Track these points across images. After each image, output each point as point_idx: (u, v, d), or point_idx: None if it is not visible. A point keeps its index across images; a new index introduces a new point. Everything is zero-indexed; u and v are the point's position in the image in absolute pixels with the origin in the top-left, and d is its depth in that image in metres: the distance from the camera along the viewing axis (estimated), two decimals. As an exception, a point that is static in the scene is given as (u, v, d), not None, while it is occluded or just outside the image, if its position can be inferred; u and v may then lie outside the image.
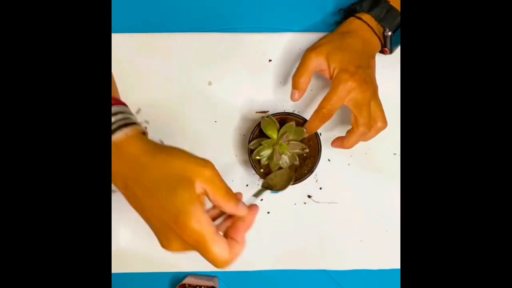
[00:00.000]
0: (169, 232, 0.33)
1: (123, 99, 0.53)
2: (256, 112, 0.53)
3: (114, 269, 0.53)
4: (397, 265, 0.54)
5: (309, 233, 0.54)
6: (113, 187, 0.55)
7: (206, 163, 0.33)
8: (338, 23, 0.52)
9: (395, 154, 0.54)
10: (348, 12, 0.51)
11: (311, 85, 0.50)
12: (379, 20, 0.48)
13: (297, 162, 0.48)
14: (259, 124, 0.48)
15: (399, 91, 0.53)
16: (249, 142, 0.48)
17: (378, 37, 0.49)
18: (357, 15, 0.49)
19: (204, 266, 0.54)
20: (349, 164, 0.54)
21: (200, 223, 0.31)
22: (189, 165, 0.33)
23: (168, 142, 0.53)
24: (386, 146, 0.54)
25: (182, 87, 0.53)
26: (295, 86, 0.48)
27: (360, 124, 0.45)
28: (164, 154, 0.34)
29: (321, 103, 0.45)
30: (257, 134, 0.49)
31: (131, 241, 0.53)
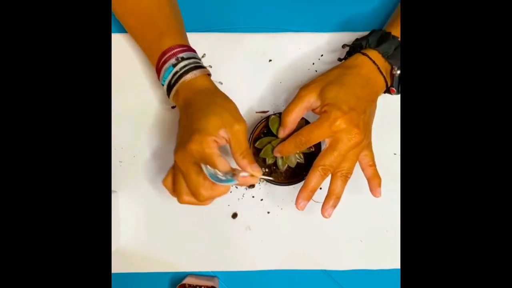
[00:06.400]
0: (183, 144, 0.39)
1: (122, 98, 0.53)
2: (256, 112, 0.53)
3: (114, 269, 0.53)
4: (397, 265, 0.54)
5: (309, 233, 0.53)
6: (113, 187, 0.55)
7: (240, 120, 0.40)
8: (341, 60, 0.47)
9: (395, 154, 0.54)
10: (352, 48, 0.47)
11: None
12: (387, 57, 0.43)
13: (302, 161, 0.48)
14: (259, 124, 0.48)
15: (399, 91, 0.53)
16: (249, 141, 0.48)
17: (384, 77, 0.44)
18: (363, 51, 0.44)
19: (204, 266, 0.54)
20: (349, 164, 0.54)
21: (209, 146, 0.38)
22: (228, 112, 0.40)
23: (168, 142, 0.53)
24: (386, 146, 0.53)
25: (182, 87, 0.53)
26: (282, 124, 0.44)
27: (321, 164, 0.42)
28: (221, 94, 0.44)
29: (301, 130, 0.42)
30: (257, 133, 0.49)
31: (131, 241, 0.53)
